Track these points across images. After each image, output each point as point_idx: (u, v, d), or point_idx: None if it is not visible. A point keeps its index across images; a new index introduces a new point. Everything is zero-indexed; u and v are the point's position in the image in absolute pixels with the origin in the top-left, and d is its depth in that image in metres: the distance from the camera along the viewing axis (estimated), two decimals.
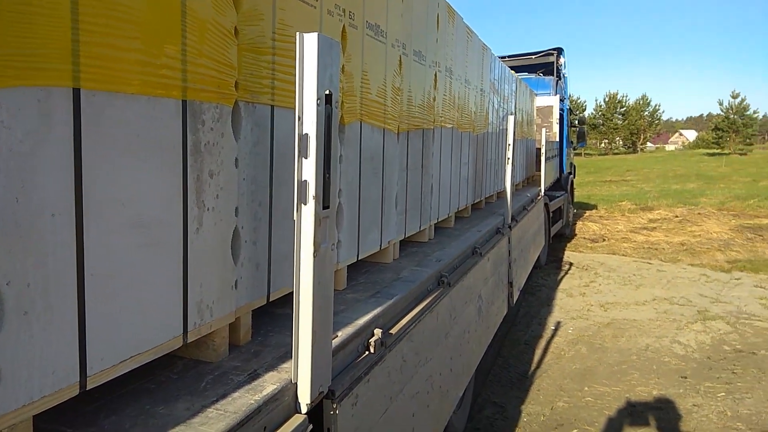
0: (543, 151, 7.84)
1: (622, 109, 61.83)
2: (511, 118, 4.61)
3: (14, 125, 0.87)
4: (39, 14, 0.89)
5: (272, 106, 1.58)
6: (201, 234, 1.31)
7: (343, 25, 1.97)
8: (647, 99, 62.38)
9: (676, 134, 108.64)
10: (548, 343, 5.39)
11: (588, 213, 14.80)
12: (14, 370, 0.90)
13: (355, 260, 2.27)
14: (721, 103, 52.75)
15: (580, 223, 13.13)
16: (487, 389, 4.34)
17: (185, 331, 1.29)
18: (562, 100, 10.94)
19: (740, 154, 46.18)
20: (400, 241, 2.85)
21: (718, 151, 50.00)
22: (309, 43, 1.25)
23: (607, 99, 62.58)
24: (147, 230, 1.15)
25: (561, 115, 10.78)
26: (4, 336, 0.88)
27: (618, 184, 23.77)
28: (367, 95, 2.22)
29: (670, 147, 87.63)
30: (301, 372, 1.34)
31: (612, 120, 61.44)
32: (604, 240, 11.17)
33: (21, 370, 0.91)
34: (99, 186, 1.03)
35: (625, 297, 6.98)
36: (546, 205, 8.72)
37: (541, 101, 10.16)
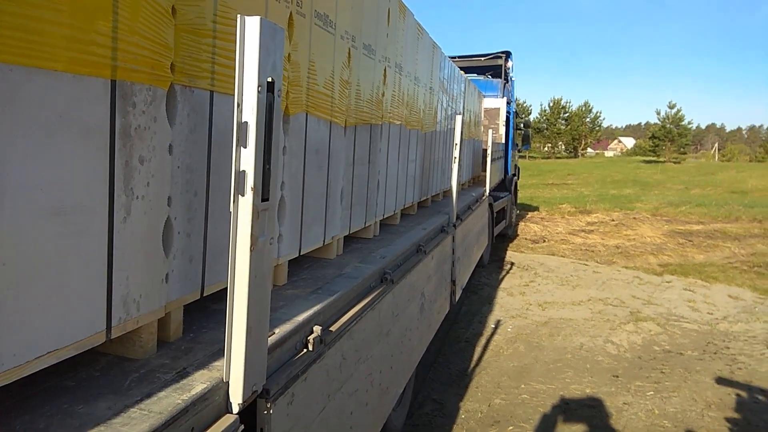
0: (489, 152, 7.96)
1: (566, 115, 63.86)
2: (459, 118, 4.65)
3: None
4: None
5: (212, 92, 1.51)
6: (129, 223, 1.23)
7: (291, 12, 1.91)
8: (589, 106, 64.69)
9: (615, 141, 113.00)
10: (488, 341, 5.48)
11: (530, 214, 15.18)
12: None
13: (297, 255, 2.21)
14: (658, 113, 55.32)
15: (523, 224, 13.45)
16: (427, 386, 4.37)
17: (109, 327, 1.21)
18: (509, 103, 11.16)
19: (674, 163, 48.53)
20: (345, 237, 2.81)
21: (654, 158, 52.38)
22: (250, 27, 1.19)
23: (551, 104, 64.52)
24: (68, 218, 1.07)
25: (507, 118, 11.00)
26: None
27: (559, 188, 24.49)
28: (314, 86, 2.17)
29: (609, 153, 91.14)
30: (234, 370, 1.28)
31: (555, 125, 63.35)
32: (544, 241, 11.48)
33: None
34: (13, 169, 0.95)
35: (562, 297, 7.18)
36: (490, 205, 8.87)
37: (488, 103, 10.32)
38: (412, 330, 3.16)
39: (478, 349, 5.25)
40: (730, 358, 5.15)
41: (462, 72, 6.67)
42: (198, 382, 1.25)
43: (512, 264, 9.25)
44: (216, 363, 1.36)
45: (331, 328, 1.93)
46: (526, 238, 11.70)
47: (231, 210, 1.25)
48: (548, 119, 63.67)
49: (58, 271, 1.06)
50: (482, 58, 11.58)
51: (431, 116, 4.69)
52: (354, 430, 2.14)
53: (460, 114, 5.55)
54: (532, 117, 59.02)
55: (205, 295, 1.59)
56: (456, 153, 4.62)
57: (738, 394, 4.33)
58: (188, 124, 1.43)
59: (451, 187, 4.83)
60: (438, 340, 5.33)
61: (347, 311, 2.16)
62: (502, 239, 11.07)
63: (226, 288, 1.50)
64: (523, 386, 4.45)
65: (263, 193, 1.28)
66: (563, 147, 66.73)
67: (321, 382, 1.80)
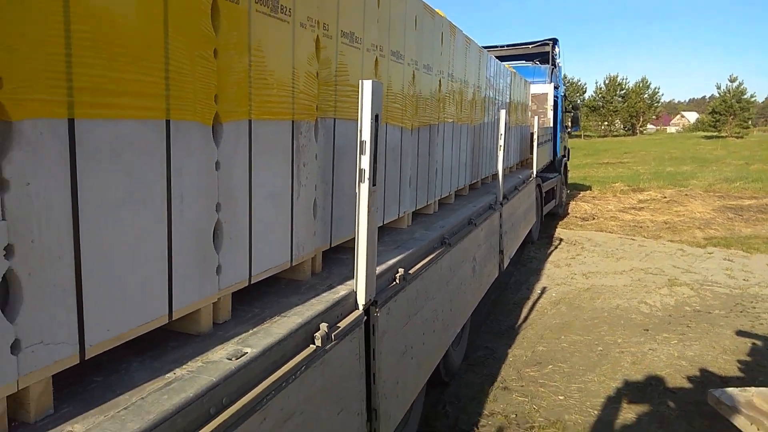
0: (535, 137, 8.64)
1: (622, 92, 62.37)
2: (503, 112, 5.44)
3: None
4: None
5: (334, 119, 2.42)
6: (298, 201, 2.16)
7: (375, 57, 2.80)
8: (647, 82, 62.94)
9: (678, 116, 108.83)
10: (534, 303, 6.29)
11: (582, 194, 15.63)
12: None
13: (381, 224, 3.12)
14: (719, 87, 53.39)
15: (573, 203, 13.97)
16: (481, 337, 5.24)
17: (291, 259, 2.15)
18: (556, 88, 11.72)
19: (737, 137, 46.85)
20: (412, 212, 3.70)
21: (716, 134, 50.69)
22: (367, 85, 2.09)
23: (607, 82, 63.14)
24: (276, 198, 2.01)
25: (555, 102, 11.57)
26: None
27: (614, 166, 24.54)
28: (392, 104, 3.06)
29: (671, 129, 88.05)
30: (359, 285, 2.21)
31: (612, 103, 62.00)
32: (593, 219, 12.03)
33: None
34: (255, 173, 1.88)
35: (605, 268, 7.86)
36: (539, 186, 9.56)
37: (536, 89, 10.92)
38: (465, 285, 4.03)
39: (525, 310, 6.07)
40: (754, 315, 5.75)
41: (508, 66, 7.38)
42: (341, 290, 2.18)
43: (561, 240, 9.92)
44: (347, 283, 2.29)
45: (409, 272, 2.83)
46: (576, 216, 12.28)
47: (356, 191, 2.16)
48: (604, 97, 62.38)
49: (275, 227, 2.00)
50: (530, 46, 12.15)
51: (480, 110, 5.49)
52: (425, 345, 3.05)
53: (504, 109, 6.31)
54: (587, 95, 58.05)
55: (332, 246, 2.52)
56: (501, 142, 5.43)
57: (754, 343, 4.98)
58: (323, 140, 2.34)
59: (497, 170, 5.64)
60: (489, 303, 6.18)
61: (419, 262, 3.05)
62: (552, 218, 11.71)
63: (344, 241, 2.44)
64: (563, 337, 5.25)
65: (373, 181, 2.18)
66: (620, 125, 65.27)
67: (404, 306, 2.71)
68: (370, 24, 2.66)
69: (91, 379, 1.37)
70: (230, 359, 1.50)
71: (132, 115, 1.30)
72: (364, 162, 2.13)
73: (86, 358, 1.27)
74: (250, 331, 1.72)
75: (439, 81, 3.99)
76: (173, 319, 1.53)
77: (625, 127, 65.10)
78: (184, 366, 1.46)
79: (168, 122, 1.42)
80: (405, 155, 3.37)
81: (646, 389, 4.19)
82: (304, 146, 2.15)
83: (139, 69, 1.31)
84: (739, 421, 2.51)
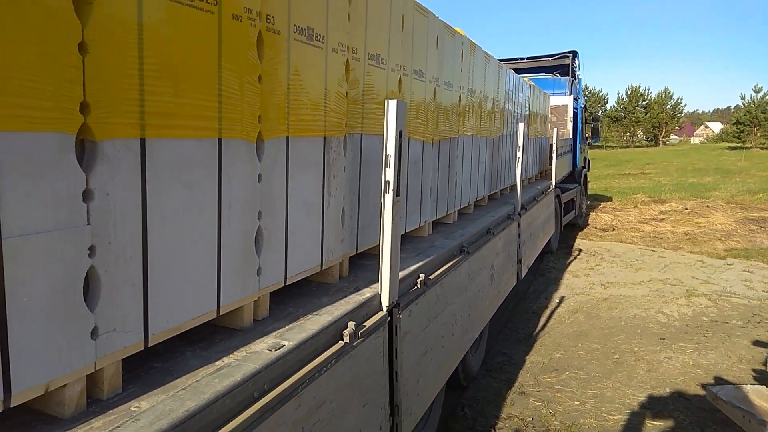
0: (554, 148, 8.76)
1: (644, 103, 61.88)
2: (521, 125, 5.59)
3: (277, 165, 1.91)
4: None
5: (361, 134, 2.61)
6: (329, 210, 2.35)
7: (399, 77, 2.99)
8: (669, 92, 62.29)
9: (702, 126, 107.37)
10: (552, 312, 6.39)
11: (602, 204, 15.62)
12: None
13: (403, 233, 3.30)
14: (743, 97, 52.58)
15: (594, 213, 13.99)
16: (499, 344, 5.37)
17: (321, 264, 2.34)
18: (576, 100, 11.82)
19: (762, 148, 46.09)
20: (433, 221, 3.87)
21: (740, 144, 49.94)
22: (392, 104, 2.27)
23: (629, 92, 62.68)
24: (309, 206, 2.19)
25: (575, 114, 11.67)
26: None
27: (636, 177, 24.41)
28: (414, 119, 3.24)
29: (695, 140, 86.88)
30: (383, 288, 2.38)
31: (634, 113, 61.53)
32: (613, 229, 12.05)
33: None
34: (293, 183, 2.07)
35: (624, 278, 7.92)
36: (558, 196, 9.66)
37: (556, 101, 11.05)
38: (483, 292, 4.18)
39: (543, 319, 6.18)
40: None
41: (527, 80, 7.53)
42: (366, 293, 2.36)
43: (580, 250, 9.98)
44: (372, 286, 2.46)
45: (430, 277, 3.00)
46: (596, 227, 12.31)
47: (381, 201, 2.34)
48: (626, 107, 61.96)
49: (308, 233, 2.18)
50: (550, 58, 12.29)
51: (499, 123, 5.65)
52: (444, 347, 3.21)
53: (522, 122, 6.46)
54: (608, 106, 57.69)
55: (357, 252, 2.70)
56: (519, 154, 5.58)
57: None
58: (351, 154, 2.53)
59: (515, 182, 5.78)
60: (508, 311, 6.30)
61: (438, 269, 3.22)
62: (572, 228, 11.76)
63: (369, 248, 2.62)
64: (580, 345, 5.35)
65: (397, 192, 2.36)
66: (643, 135, 64.68)
67: (424, 309, 2.87)
68: (394, 46, 2.85)
69: (151, 365, 1.56)
70: (270, 350, 1.69)
71: (191, 135, 1.50)
72: (389, 174, 2.31)
73: (149, 346, 1.46)
74: (286, 327, 1.90)
75: (459, 96, 4.17)
76: (220, 314, 1.72)
77: (647, 138, 64.50)
78: (230, 355, 1.64)
79: (220, 140, 1.61)
80: (426, 167, 3.54)
81: (661, 396, 4.28)
82: (334, 160, 2.34)
83: (197, 95, 1.51)
84: (734, 414, 2.63)
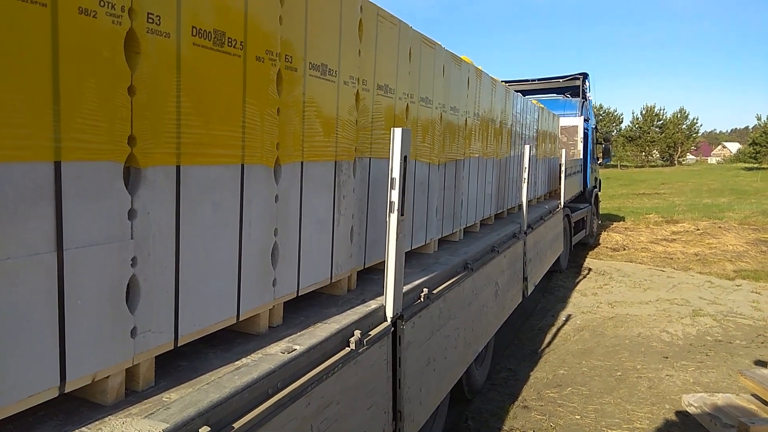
0: (563, 168, 8.92)
1: (660, 122, 61.76)
2: (527, 147, 5.79)
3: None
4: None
5: (370, 158, 2.83)
6: (339, 227, 2.56)
7: (407, 104, 3.21)
8: (685, 112, 62.19)
9: (719, 146, 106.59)
10: (558, 330, 6.52)
11: (614, 224, 15.68)
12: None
13: (409, 249, 3.49)
14: (759, 118, 52.35)
15: (605, 233, 14.06)
16: (504, 360, 5.51)
17: (331, 277, 2.54)
18: (586, 120, 11.99)
19: None
20: (439, 239, 4.06)
21: (756, 165, 49.59)
22: (398, 132, 2.48)
23: (644, 111, 62.65)
24: (320, 224, 2.41)
25: (585, 134, 11.84)
26: None
27: (650, 197, 24.39)
28: (421, 144, 3.46)
29: (712, 160, 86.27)
30: (388, 300, 2.58)
31: (649, 133, 61.42)
32: (624, 249, 12.13)
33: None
34: (307, 202, 2.29)
35: (632, 297, 8.02)
36: (567, 216, 9.80)
37: (566, 121, 11.23)
38: (488, 307, 4.35)
39: (549, 336, 6.31)
40: None
41: (536, 102, 7.74)
42: (372, 304, 2.55)
43: (589, 269, 10.08)
44: (378, 299, 2.66)
45: (433, 292, 3.19)
46: (606, 247, 12.39)
47: (386, 220, 2.54)
48: (641, 127, 61.89)
49: (319, 249, 2.39)
50: (560, 80, 12.50)
51: (506, 145, 5.85)
52: (447, 359, 3.38)
53: (528, 144, 6.65)
54: (623, 125, 57.65)
55: (365, 267, 2.90)
56: (525, 175, 5.76)
57: None
58: (360, 175, 2.75)
59: (521, 201, 5.97)
60: (514, 329, 6.44)
61: (442, 284, 3.40)
62: (582, 248, 11.87)
63: (377, 263, 2.82)
64: (584, 362, 5.48)
65: (401, 212, 2.57)
66: (658, 155, 64.46)
67: (427, 321, 3.06)
68: (402, 76, 3.08)
69: (178, 363, 1.77)
70: (283, 353, 1.89)
71: (219, 162, 1.73)
72: (394, 195, 2.52)
73: (178, 346, 1.67)
74: (298, 333, 2.11)
75: (465, 120, 4.38)
76: (239, 320, 1.93)
77: (662, 158, 64.26)
78: (248, 356, 1.85)
79: (243, 166, 1.84)
80: (432, 188, 3.75)
81: (660, 412, 4.39)
82: (344, 182, 2.56)
83: (225, 127, 1.73)
84: (703, 419, 2.76)
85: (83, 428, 1.37)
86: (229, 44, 1.73)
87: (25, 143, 1.20)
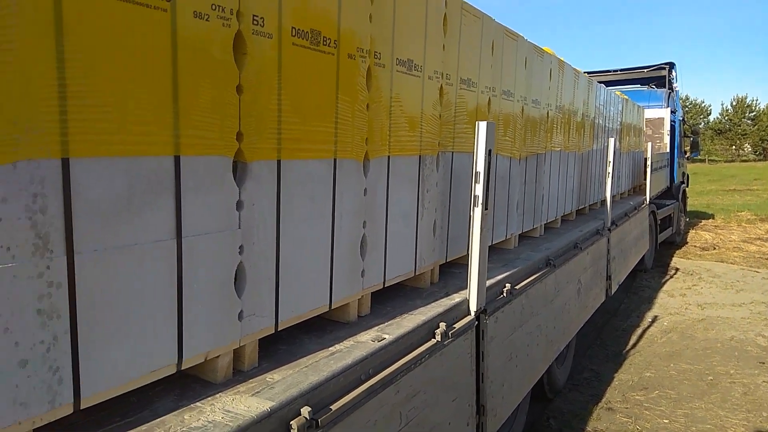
0: (649, 163, 8.53)
1: (752, 114, 57.54)
2: (611, 140, 5.60)
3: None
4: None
5: (452, 152, 2.85)
6: (422, 220, 2.60)
7: (489, 98, 3.20)
8: None
9: None
10: (644, 331, 6.26)
11: (703, 222, 14.82)
12: None
13: (490, 244, 3.48)
14: None
15: (693, 231, 13.33)
16: (587, 360, 5.36)
17: (415, 269, 2.58)
18: (673, 112, 11.41)
19: None
20: (519, 235, 4.02)
21: None
22: (482, 126, 2.49)
23: (734, 103, 58.61)
24: (405, 218, 2.45)
25: (672, 127, 11.26)
26: None
27: (742, 194, 22.86)
28: (501, 136, 3.44)
29: None
30: (472, 294, 2.59)
31: (740, 125, 57.37)
32: (714, 248, 11.44)
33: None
34: (391, 196, 2.34)
35: (723, 299, 7.57)
36: (653, 212, 9.37)
37: (652, 113, 10.74)
38: (570, 305, 4.25)
39: (634, 337, 6.07)
40: None
41: (619, 94, 7.45)
42: (456, 298, 2.58)
43: (676, 269, 9.60)
44: (460, 292, 2.67)
45: (515, 287, 3.17)
46: (695, 246, 11.74)
47: (470, 214, 2.55)
48: (731, 119, 57.93)
49: (404, 241, 2.44)
50: (645, 70, 11.96)
51: (588, 138, 5.69)
52: (529, 355, 3.35)
53: (612, 137, 6.42)
54: (711, 117, 54.23)
55: (447, 260, 2.92)
56: (609, 169, 5.58)
57: None
58: (443, 169, 2.77)
59: (605, 197, 5.78)
60: (597, 329, 6.25)
61: (524, 279, 3.37)
62: (668, 246, 11.30)
63: (458, 257, 2.84)
64: (672, 365, 5.24)
65: (485, 206, 2.57)
66: (750, 149, 60.13)
67: (510, 316, 3.04)
68: (484, 70, 3.08)
69: (278, 347, 1.87)
70: (374, 341, 1.95)
71: (314, 156, 1.81)
72: (478, 189, 2.53)
73: (278, 330, 1.77)
74: (386, 323, 2.16)
75: (547, 113, 4.30)
76: (331, 308, 2.01)
77: (755, 152, 59.87)
78: (341, 343, 1.92)
79: (335, 160, 1.91)
80: (513, 182, 3.72)
81: (757, 420, 4.14)
82: (427, 175, 2.60)
83: (320, 123, 1.81)
84: None
85: (197, 403, 1.48)
86: (324, 43, 1.80)
87: (150, 139, 1.31)
